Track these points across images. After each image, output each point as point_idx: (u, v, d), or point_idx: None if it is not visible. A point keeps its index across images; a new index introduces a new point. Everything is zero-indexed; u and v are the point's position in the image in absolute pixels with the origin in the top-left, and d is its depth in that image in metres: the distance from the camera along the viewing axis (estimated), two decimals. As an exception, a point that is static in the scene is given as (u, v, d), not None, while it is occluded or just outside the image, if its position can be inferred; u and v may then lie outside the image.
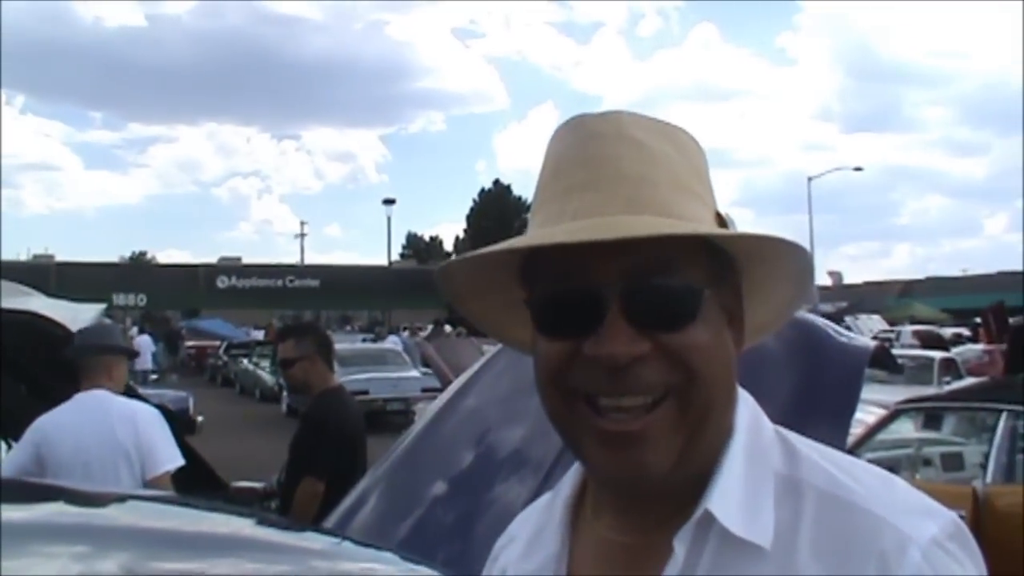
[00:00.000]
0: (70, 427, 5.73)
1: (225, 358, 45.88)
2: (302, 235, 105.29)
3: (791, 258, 1.36)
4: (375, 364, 28.94)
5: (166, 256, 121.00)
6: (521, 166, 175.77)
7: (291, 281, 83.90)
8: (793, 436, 1.40)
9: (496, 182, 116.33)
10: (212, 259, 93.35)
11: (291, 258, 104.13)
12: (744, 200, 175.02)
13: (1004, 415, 9.25)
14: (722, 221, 1.38)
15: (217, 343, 49.36)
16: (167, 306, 66.86)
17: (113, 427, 5.82)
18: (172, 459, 5.95)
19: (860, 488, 1.28)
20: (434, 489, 3.86)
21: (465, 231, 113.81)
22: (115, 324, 8.05)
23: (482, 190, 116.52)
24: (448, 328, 41.52)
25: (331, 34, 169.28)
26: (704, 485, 1.30)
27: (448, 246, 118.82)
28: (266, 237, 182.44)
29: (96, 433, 5.75)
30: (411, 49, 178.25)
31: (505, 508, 3.43)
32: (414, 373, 28.27)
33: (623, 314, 1.26)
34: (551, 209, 1.35)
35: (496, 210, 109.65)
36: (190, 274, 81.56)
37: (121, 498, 3.89)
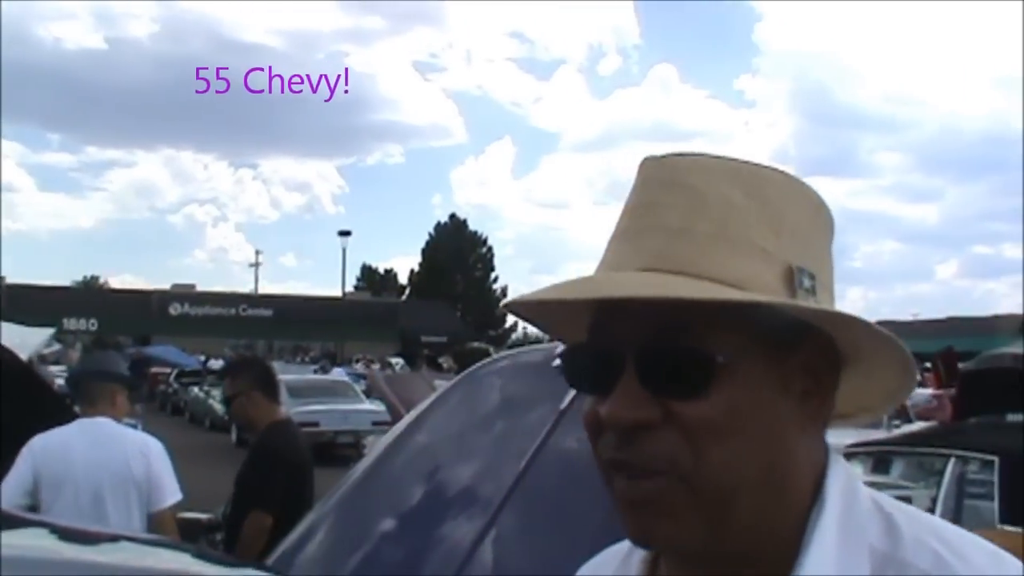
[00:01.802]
0: (79, 452, 5.85)
1: (176, 385, 45.57)
2: (257, 264, 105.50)
3: (880, 341, 1.25)
4: (326, 396, 28.94)
5: (119, 281, 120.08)
6: (477, 201, 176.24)
7: (244, 310, 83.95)
8: (891, 505, 1.27)
9: (452, 216, 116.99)
10: (166, 285, 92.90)
11: (245, 287, 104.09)
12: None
13: (952, 460, 9.36)
14: (791, 279, 1.23)
15: (168, 370, 48.90)
16: (119, 331, 66.37)
17: (128, 458, 5.97)
18: (175, 493, 6.15)
19: (969, 572, 1.18)
20: (382, 525, 3.84)
21: (420, 264, 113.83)
22: (117, 353, 8.18)
23: (438, 224, 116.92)
24: (399, 361, 41.55)
25: (291, 64, 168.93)
26: (790, 553, 1.21)
27: (403, 279, 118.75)
28: (221, 265, 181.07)
29: (110, 461, 5.90)
30: (371, 81, 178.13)
31: (453, 546, 3.42)
32: (365, 406, 28.21)
33: (637, 376, 1.18)
34: (601, 259, 1.28)
35: (452, 244, 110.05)
36: (143, 300, 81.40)
37: (61, 531, 3.84)
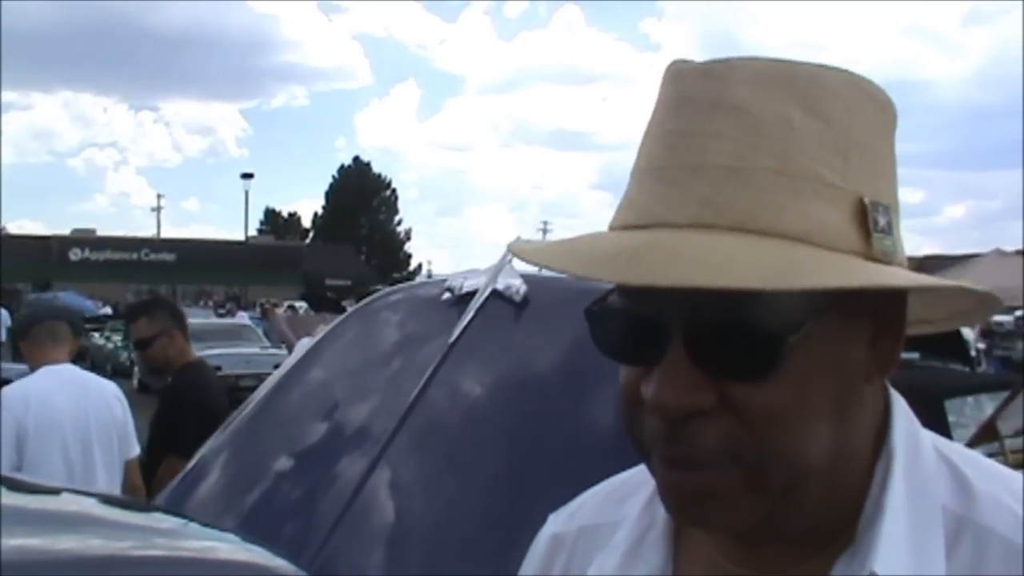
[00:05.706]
0: (63, 401, 5.57)
1: (76, 332, 44.98)
2: (159, 208, 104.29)
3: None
4: (229, 340, 28.78)
5: (17, 227, 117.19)
6: (381, 143, 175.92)
7: (146, 255, 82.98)
8: (953, 452, 1.13)
9: (356, 159, 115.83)
10: (65, 231, 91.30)
11: (147, 231, 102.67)
12: (604, 183, 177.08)
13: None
14: (864, 219, 1.02)
15: (68, 317, 48.17)
16: (18, 278, 65.18)
17: (108, 403, 5.81)
18: (136, 442, 6.03)
19: None
20: (272, 461, 3.78)
21: (324, 208, 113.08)
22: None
23: (342, 167, 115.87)
24: (303, 305, 41.44)
25: (192, 3, 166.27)
26: (854, 513, 1.07)
27: (307, 222, 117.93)
28: (122, 210, 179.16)
29: (93, 409, 5.69)
30: (274, 21, 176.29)
31: (343, 481, 3.41)
32: (267, 349, 28.17)
33: (686, 354, 0.99)
34: (628, 196, 1.07)
35: (355, 187, 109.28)
36: (42, 246, 79.93)
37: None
